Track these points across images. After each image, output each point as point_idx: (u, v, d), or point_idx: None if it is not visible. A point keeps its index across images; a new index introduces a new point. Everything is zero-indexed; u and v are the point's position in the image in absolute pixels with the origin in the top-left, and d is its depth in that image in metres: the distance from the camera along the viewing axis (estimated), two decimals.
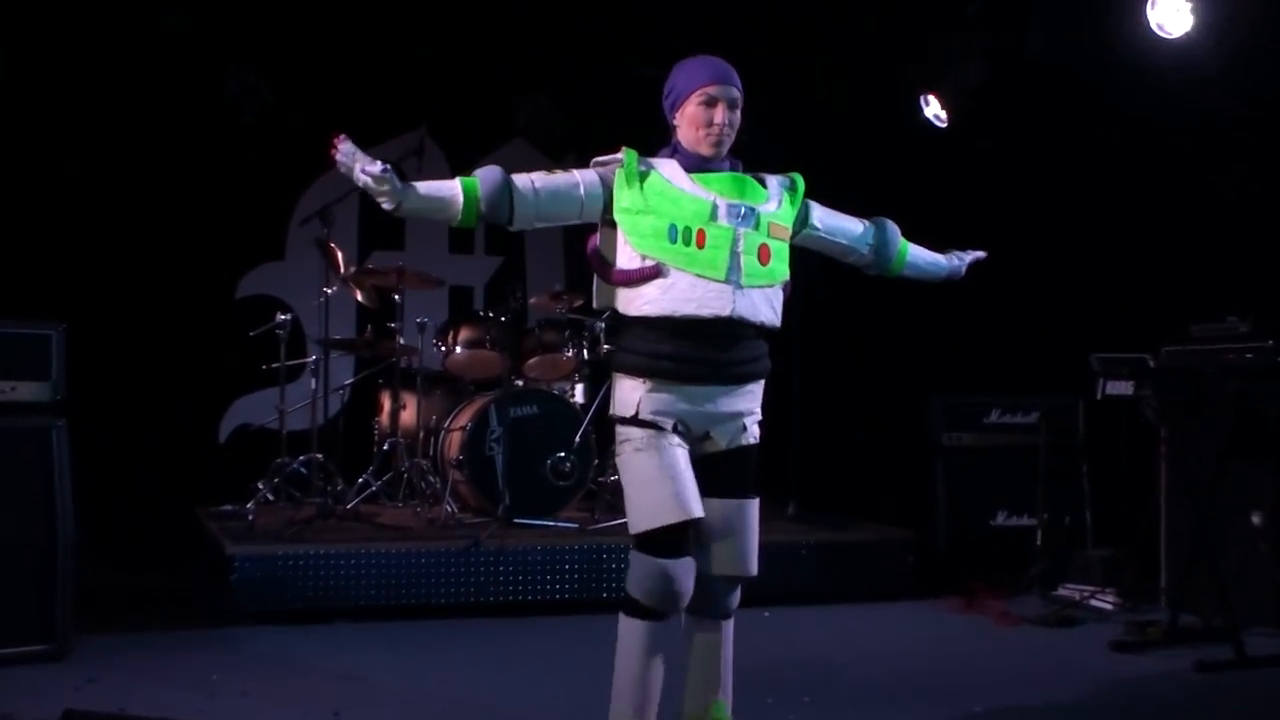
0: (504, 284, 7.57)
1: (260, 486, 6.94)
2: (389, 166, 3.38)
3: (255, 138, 8.28)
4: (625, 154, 3.53)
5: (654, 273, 3.44)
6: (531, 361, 7.21)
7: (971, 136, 7.37)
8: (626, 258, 3.50)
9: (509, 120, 8.87)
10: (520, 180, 3.51)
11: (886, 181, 7.47)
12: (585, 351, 7.22)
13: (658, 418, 3.48)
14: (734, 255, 3.44)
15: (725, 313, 3.42)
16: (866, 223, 3.90)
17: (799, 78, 8.17)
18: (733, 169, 3.60)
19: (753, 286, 3.47)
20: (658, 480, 3.44)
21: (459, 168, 10.04)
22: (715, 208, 3.46)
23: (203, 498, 7.30)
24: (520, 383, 7.20)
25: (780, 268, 3.57)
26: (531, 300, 7.75)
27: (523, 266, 9.00)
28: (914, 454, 7.14)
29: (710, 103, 3.52)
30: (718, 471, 3.57)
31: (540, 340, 7.22)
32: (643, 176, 3.49)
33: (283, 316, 7.10)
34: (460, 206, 3.46)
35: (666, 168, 3.53)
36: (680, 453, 3.48)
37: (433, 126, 8.44)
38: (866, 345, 8.13)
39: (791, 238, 3.67)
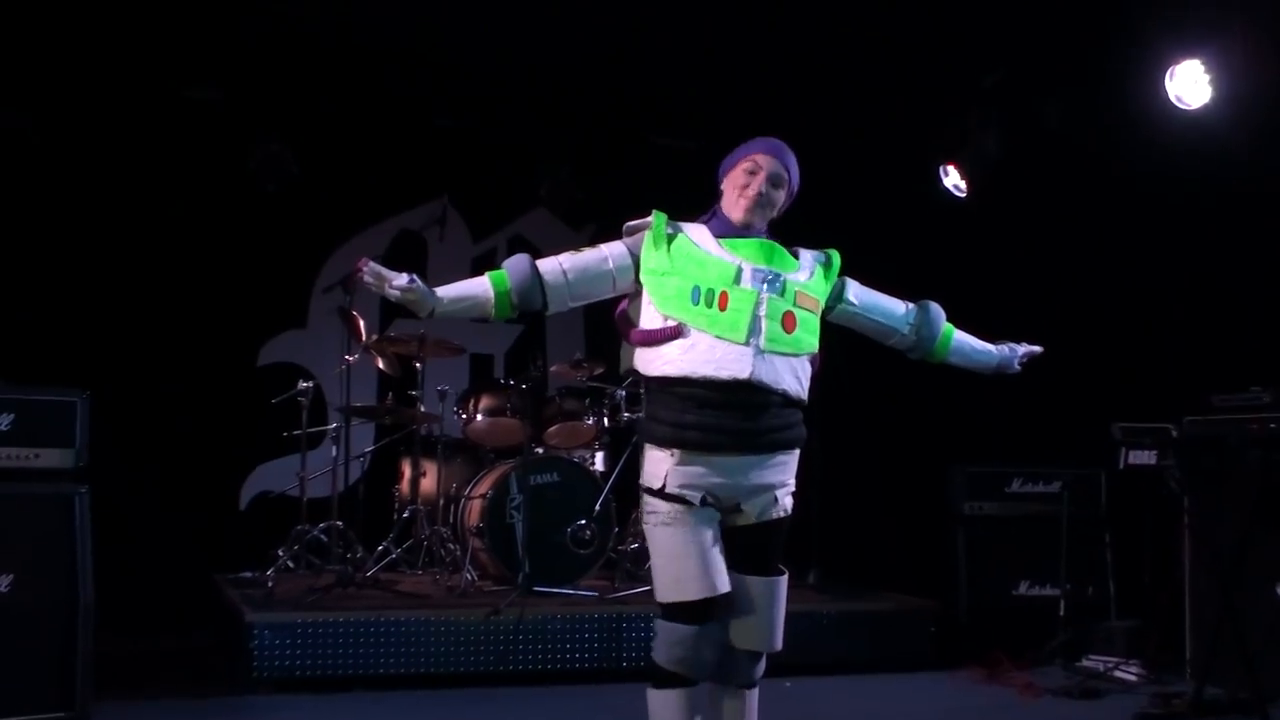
0: (525, 352, 7.61)
1: (280, 553, 6.93)
2: (414, 276, 3.45)
3: (279, 207, 8.34)
4: (655, 216, 3.57)
5: (675, 333, 3.45)
6: (552, 429, 7.21)
7: (991, 206, 7.39)
8: (649, 318, 3.52)
9: (530, 190, 8.93)
10: (548, 265, 3.55)
11: (907, 250, 7.50)
12: (606, 419, 7.23)
13: (685, 491, 3.45)
14: (755, 318, 3.42)
15: (743, 375, 3.40)
16: (909, 304, 3.87)
17: (819, 147, 8.21)
18: (768, 238, 3.62)
19: (775, 353, 3.44)
20: (683, 555, 3.42)
21: (480, 236, 10.17)
22: (740, 271, 3.46)
23: (222, 564, 7.29)
24: (541, 450, 7.20)
25: (807, 338, 3.54)
26: (552, 368, 7.77)
27: (543, 335, 9.02)
28: (935, 523, 7.10)
29: (753, 170, 3.57)
30: (747, 545, 3.53)
31: (561, 408, 7.23)
32: (670, 239, 3.52)
33: (304, 384, 7.14)
34: (493, 301, 3.53)
35: (696, 232, 3.56)
36: (707, 528, 3.45)
37: (454, 196, 8.49)
38: (887, 413, 8.11)
39: (826, 313, 3.67)
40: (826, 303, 3.66)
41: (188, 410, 8.03)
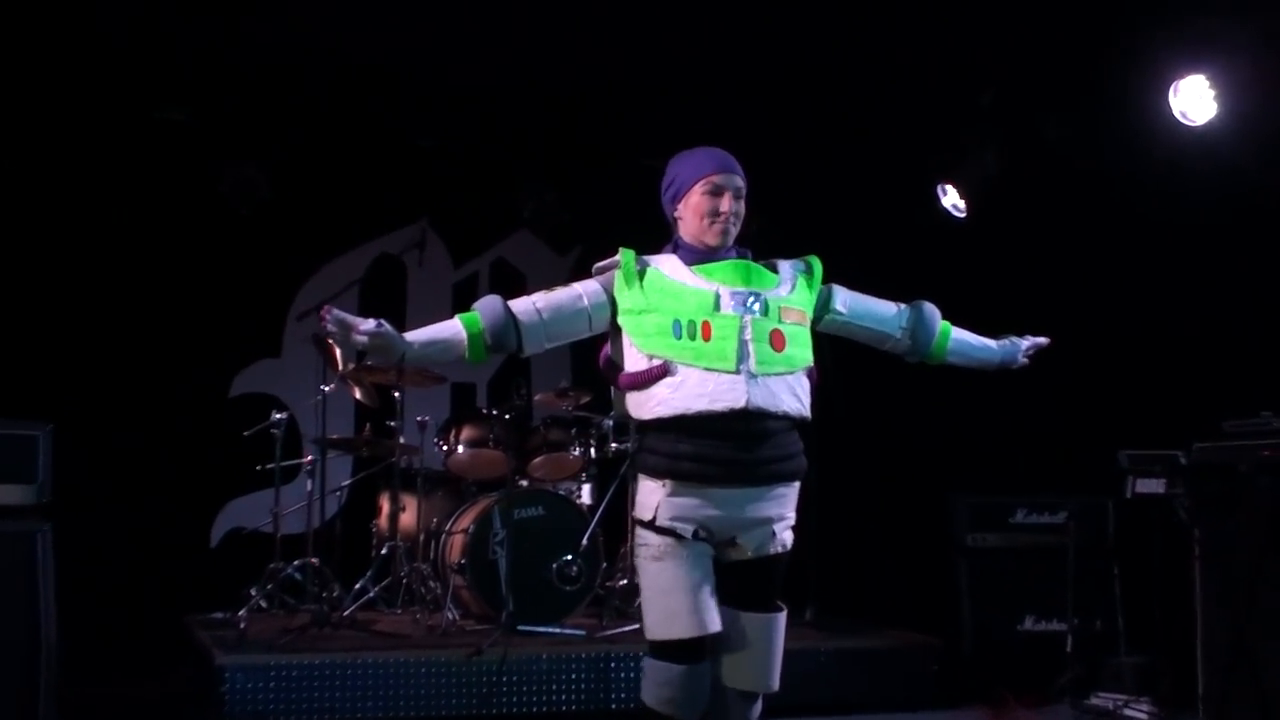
0: (508, 380, 7.58)
1: (253, 593, 6.89)
2: (382, 321, 3.39)
3: (252, 231, 8.33)
4: (621, 254, 3.55)
5: (662, 372, 3.42)
6: (536, 461, 7.19)
7: (990, 226, 7.40)
8: (633, 360, 3.50)
9: (514, 211, 8.93)
10: (521, 306, 3.55)
11: (904, 272, 7.47)
12: (592, 450, 7.21)
13: (677, 524, 3.43)
14: (742, 344, 3.41)
15: (740, 404, 3.38)
16: (901, 306, 3.87)
17: (813, 167, 8.23)
18: (740, 257, 3.60)
19: (769, 374, 3.43)
20: (673, 591, 3.39)
21: (462, 260, 10.16)
22: (718, 297, 3.45)
23: (192, 604, 7.24)
24: (525, 483, 7.17)
25: (800, 353, 3.53)
26: (536, 397, 7.75)
27: (527, 363, 9.00)
28: (936, 556, 7.08)
29: (716, 191, 3.54)
30: (742, 581, 3.50)
31: (545, 439, 7.20)
32: (641, 275, 3.50)
33: (278, 415, 7.11)
34: (465, 344, 3.52)
35: (666, 264, 3.53)
36: (699, 564, 3.43)
37: (434, 218, 8.52)
38: (886, 441, 8.09)
39: (814, 323, 3.66)
40: (814, 312, 3.65)
41: (156, 443, 7.99)
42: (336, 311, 3.39)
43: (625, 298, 3.50)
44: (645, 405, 3.47)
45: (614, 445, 7.18)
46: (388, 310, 8.09)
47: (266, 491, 7.50)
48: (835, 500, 7.84)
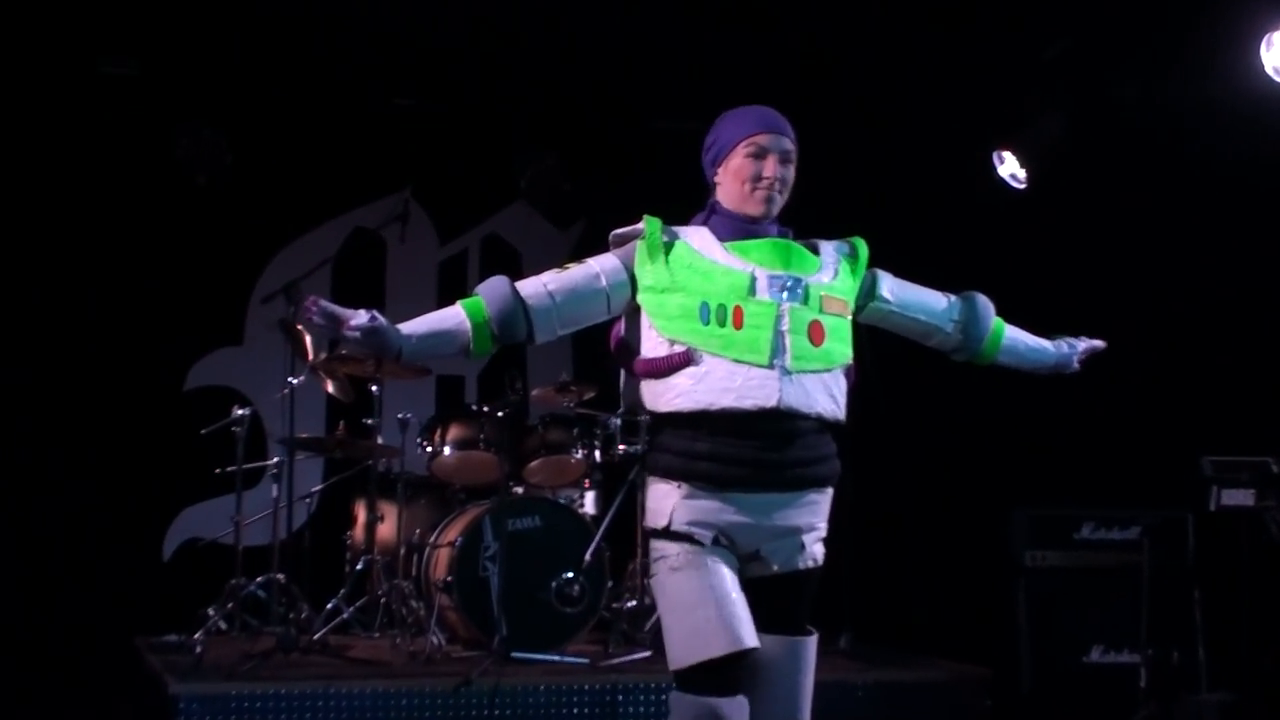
0: (501, 373, 7.56)
1: (211, 613, 6.90)
2: (375, 314, 3.33)
3: (210, 202, 8.34)
4: (646, 223, 3.51)
5: (684, 360, 3.40)
6: (534, 465, 7.19)
7: (1054, 199, 7.38)
8: (652, 345, 3.47)
9: (508, 181, 8.93)
10: (530, 288, 3.51)
11: (955, 252, 7.47)
12: (598, 453, 7.20)
13: (694, 529, 3.41)
14: (778, 334, 3.39)
15: (770, 403, 3.36)
16: (951, 297, 3.86)
17: (850, 132, 8.22)
18: (781, 235, 3.59)
19: (804, 371, 3.41)
20: (699, 604, 3.36)
21: (449, 235, 10.19)
22: (754, 280, 3.42)
23: (142, 626, 7.26)
24: (520, 490, 7.17)
25: (839, 348, 3.52)
26: (534, 392, 7.74)
27: (523, 353, 9.00)
28: (991, 576, 7.07)
29: (759, 154, 3.52)
30: (767, 600, 3.48)
31: (544, 439, 7.20)
32: (668, 249, 3.47)
33: (240, 411, 7.11)
34: (469, 334, 3.46)
35: (696, 237, 3.51)
36: (726, 570, 3.40)
37: (418, 188, 8.51)
38: (933, 445, 8.08)
39: (855, 313, 3.65)
40: (856, 301, 3.64)
41: (101, 443, 8.01)
42: (324, 303, 3.33)
43: (647, 273, 3.48)
44: (663, 396, 3.45)
45: (622, 447, 7.17)
46: (365, 292, 8.13)
47: (226, 498, 7.50)
48: (874, 512, 7.84)
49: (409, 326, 3.43)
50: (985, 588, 7.19)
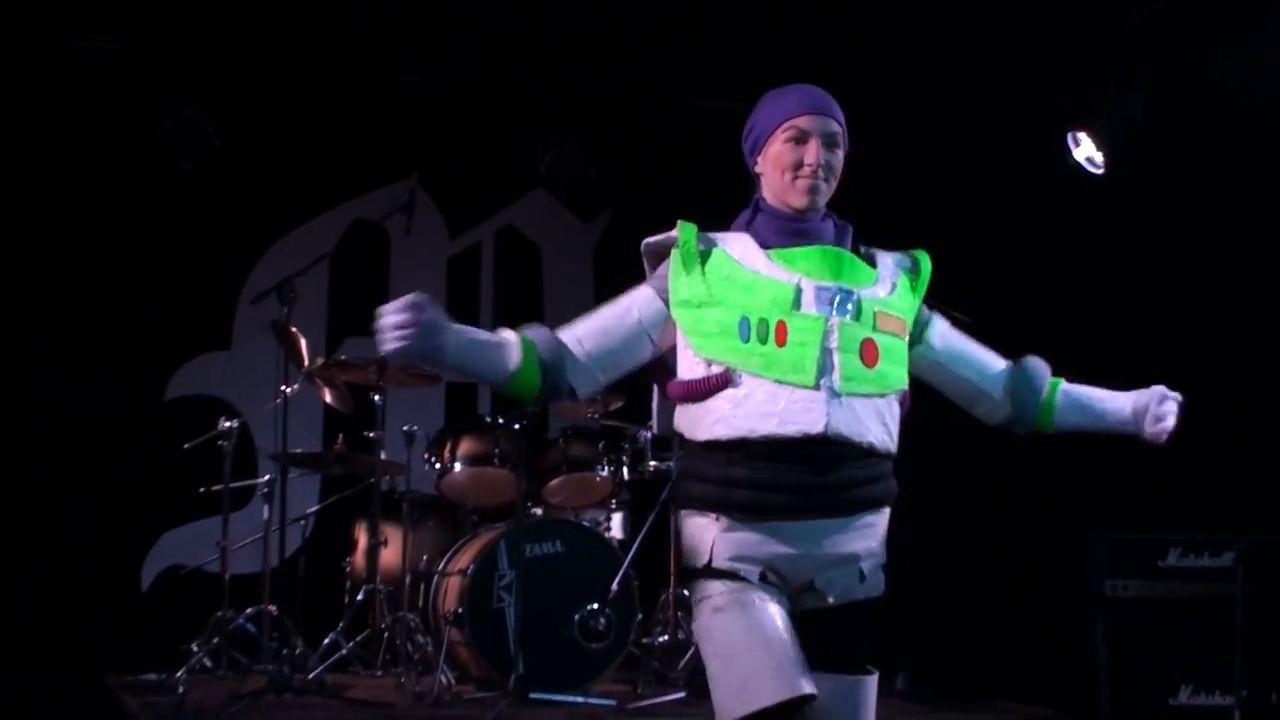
0: None
1: (195, 649, 6.92)
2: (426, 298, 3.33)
3: (196, 190, 8.37)
4: (680, 230, 3.47)
5: (722, 382, 3.36)
6: (554, 483, 7.20)
7: (1136, 186, 7.36)
8: (689, 364, 3.44)
9: (526, 166, 8.94)
10: (565, 337, 3.51)
11: (1025, 245, 7.46)
12: (625, 470, 7.21)
13: (738, 565, 3.37)
14: (825, 352, 3.34)
15: (816, 429, 3.31)
16: (1007, 363, 3.76)
17: (908, 113, 8.21)
18: (837, 234, 3.56)
19: (855, 395, 3.36)
20: (748, 647, 3.34)
21: (460, 228, 10.17)
22: (799, 292, 3.37)
23: (118, 662, 7.28)
24: (539, 511, 7.18)
25: (894, 372, 3.46)
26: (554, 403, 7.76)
27: None
28: (1066, 608, 7.05)
29: (800, 138, 3.48)
30: (825, 635, 3.45)
31: (565, 455, 7.21)
32: (704, 257, 3.44)
33: (227, 423, 7.14)
34: (519, 358, 3.46)
35: (736, 245, 3.47)
36: (776, 609, 3.37)
37: (426, 174, 8.51)
38: (1002, 463, 8.06)
39: (916, 333, 3.61)
40: (912, 326, 3.56)
41: (71, 459, 8.03)
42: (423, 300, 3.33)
43: (682, 285, 3.46)
44: (701, 423, 3.43)
45: (652, 464, 7.18)
46: (366, 291, 8.15)
47: (212, 520, 7.53)
48: (935, 537, 7.83)
49: (457, 327, 3.43)
50: (1059, 621, 7.17)
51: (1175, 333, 7.22)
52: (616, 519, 7.39)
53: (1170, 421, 3.85)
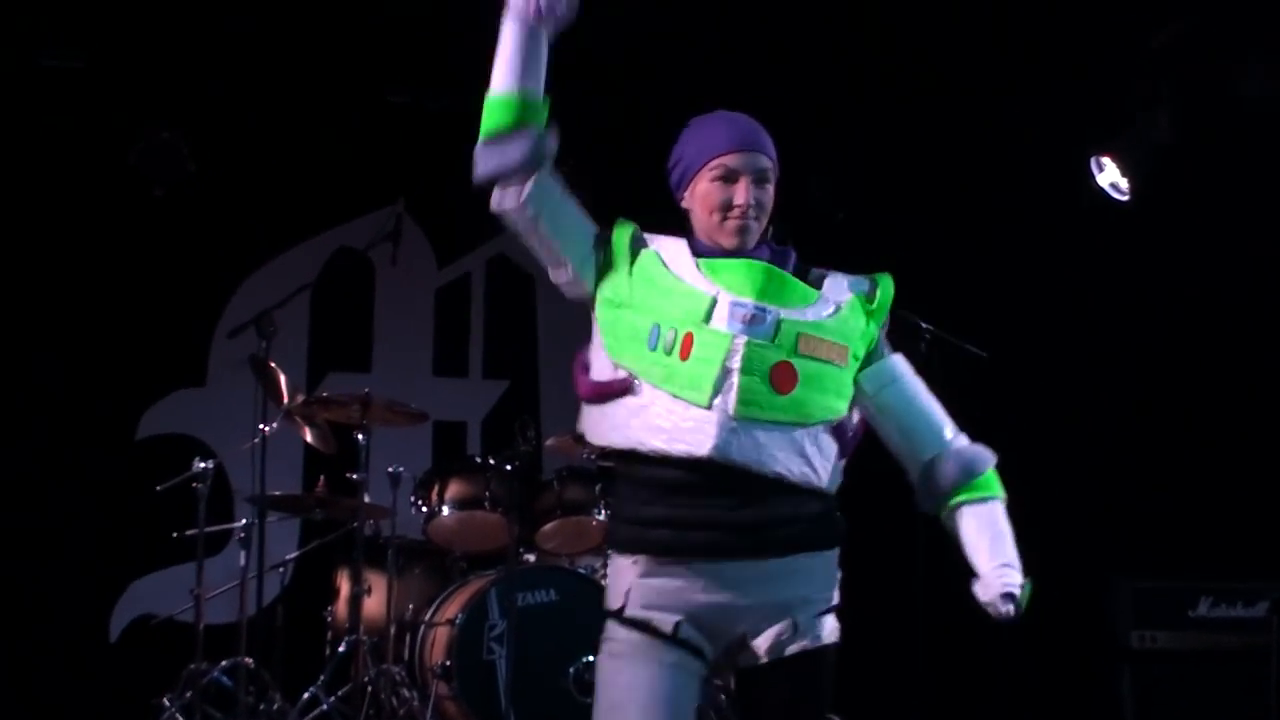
0: (510, 419, 7.58)
1: (167, 703, 6.90)
2: None
3: (169, 217, 8.37)
4: (616, 227, 3.55)
5: (624, 388, 3.38)
6: (548, 528, 7.19)
7: (1162, 212, 7.37)
8: (600, 366, 3.47)
9: None
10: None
11: (1047, 276, 7.47)
12: (610, 514, 7.19)
13: (651, 614, 3.37)
14: (725, 372, 3.33)
15: (701, 451, 3.29)
16: (954, 435, 3.63)
17: (924, 134, 8.23)
18: (773, 258, 3.51)
19: (757, 421, 3.33)
20: (620, 704, 3.32)
21: (449, 257, 10.15)
22: (714, 304, 3.39)
23: (86, 718, 7.25)
24: (532, 557, 7.16)
25: (819, 400, 3.40)
26: (548, 442, 7.73)
27: (535, 394, 9.01)
28: (1090, 660, 7.04)
29: (729, 178, 3.46)
30: (762, 695, 3.43)
31: (560, 498, 7.20)
32: (634, 256, 3.49)
33: (202, 464, 7.12)
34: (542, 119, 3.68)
35: (670, 248, 3.51)
36: (673, 677, 3.36)
37: (412, 200, 8.52)
38: (1018, 502, 8.06)
39: (862, 367, 3.51)
40: (862, 352, 3.51)
41: (36, 502, 8.02)
42: None
43: (608, 283, 3.49)
44: (599, 426, 3.45)
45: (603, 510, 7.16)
46: (349, 325, 8.14)
47: (185, 566, 7.52)
48: (949, 585, 7.80)
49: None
50: (1082, 674, 7.16)
51: (1206, 369, 7.22)
52: None
53: (999, 607, 3.65)
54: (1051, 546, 7.77)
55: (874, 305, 3.54)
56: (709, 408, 3.31)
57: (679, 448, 3.31)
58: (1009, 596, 3.56)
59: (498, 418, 8.92)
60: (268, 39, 8.09)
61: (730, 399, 3.31)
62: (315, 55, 8.28)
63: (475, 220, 9.51)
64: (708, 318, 3.37)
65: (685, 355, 3.34)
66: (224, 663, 7.01)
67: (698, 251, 3.50)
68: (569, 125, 3.66)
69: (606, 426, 3.43)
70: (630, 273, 3.47)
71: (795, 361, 3.37)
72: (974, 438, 3.67)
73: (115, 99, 8.25)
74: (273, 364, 7.05)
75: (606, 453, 3.51)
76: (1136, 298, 7.41)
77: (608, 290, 3.50)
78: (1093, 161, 7.57)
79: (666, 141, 3.70)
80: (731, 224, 3.47)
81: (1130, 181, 7.46)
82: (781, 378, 3.35)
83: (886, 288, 3.56)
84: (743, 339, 3.34)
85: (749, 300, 3.39)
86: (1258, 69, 6.97)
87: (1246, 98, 6.99)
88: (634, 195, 4.09)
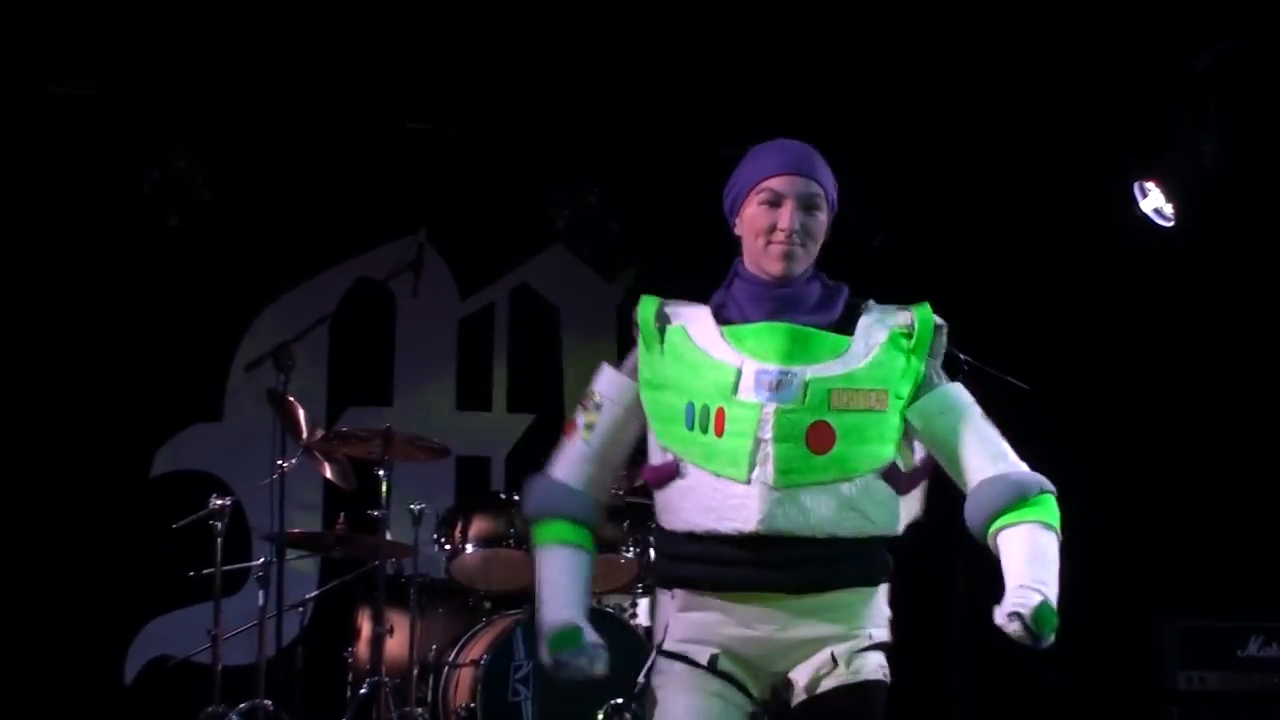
0: (534, 453, 7.57)
1: None
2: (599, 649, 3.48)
3: (185, 247, 8.39)
4: (640, 306, 3.56)
5: (673, 472, 3.44)
6: None
7: (1208, 238, 7.36)
8: (652, 450, 3.54)
9: (543, 220, 8.95)
10: (563, 468, 3.72)
11: (1090, 305, 7.46)
12: (652, 551, 7.17)
13: (688, 647, 3.44)
14: (758, 444, 3.35)
15: (749, 527, 3.33)
16: (1009, 464, 3.55)
17: (963, 160, 8.22)
18: (823, 298, 3.51)
19: (800, 487, 3.35)
20: None
21: (472, 287, 10.13)
22: (739, 375, 3.40)
23: None
24: None
25: (861, 451, 3.40)
26: None
27: (559, 430, 8.97)
28: (1136, 702, 7.01)
29: (775, 201, 3.45)
30: None
31: None
32: (662, 335, 3.51)
33: (219, 501, 7.12)
34: (584, 550, 3.69)
35: (696, 320, 3.51)
36: (713, 703, 3.42)
37: (434, 229, 8.54)
38: (1065, 538, 8.03)
39: (911, 400, 3.47)
40: (906, 390, 3.47)
41: (50, 540, 8.03)
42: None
43: (646, 364, 3.53)
44: (662, 513, 3.53)
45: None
46: (369, 357, 8.11)
47: (203, 606, 7.52)
48: (985, 620, 7.77)
49: (560, 611, 3.56)
50: (1129, 717, 7.13)
51: (1254, 400, 7.20)
52: (643, 605, 7.35)
53: (1006, 626, 3.43)
54: (1096, 584, 7.75)
55: (913, 340, 3.49)
56: (749, 483, 3.34)
57: (728, 526, 3.36)
58: (1014, 615, 3.40)
59: (522, 452, 8.91)
60: (284, 65, 8.11)
61: (769, 470, 3.34)
62: (333, 81, 8.30)
63: (499, 250, 9.65)
64: (735, 389, 3.39)
65: (720, 431, 3.37)
66: (242, 705, 7.00)
67: (724, 319, 3.51)
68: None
69: (666, 511, 3.50)
70: (662, 352, 3.50)
71: (831, 419, 3.37)
72: None
73: (128, 126, 8.27)
74: (291, 398, 7.05)
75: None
76: (1181, 326, 7.38)
77: (646, 372, 3.54)
78: (1136, 187, 7.56)
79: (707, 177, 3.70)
80: (775, 249, 3.46)
81: (1174, 207, 7.45)
82: (819, 438, 3.37)
83: (924, 319, 3.50)
84: (772, 407, 3.36)
85: (774, 365, 3.39)
86: None
87: None
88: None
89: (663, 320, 3.52)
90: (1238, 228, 7.28)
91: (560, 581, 3.62)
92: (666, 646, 3.46)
